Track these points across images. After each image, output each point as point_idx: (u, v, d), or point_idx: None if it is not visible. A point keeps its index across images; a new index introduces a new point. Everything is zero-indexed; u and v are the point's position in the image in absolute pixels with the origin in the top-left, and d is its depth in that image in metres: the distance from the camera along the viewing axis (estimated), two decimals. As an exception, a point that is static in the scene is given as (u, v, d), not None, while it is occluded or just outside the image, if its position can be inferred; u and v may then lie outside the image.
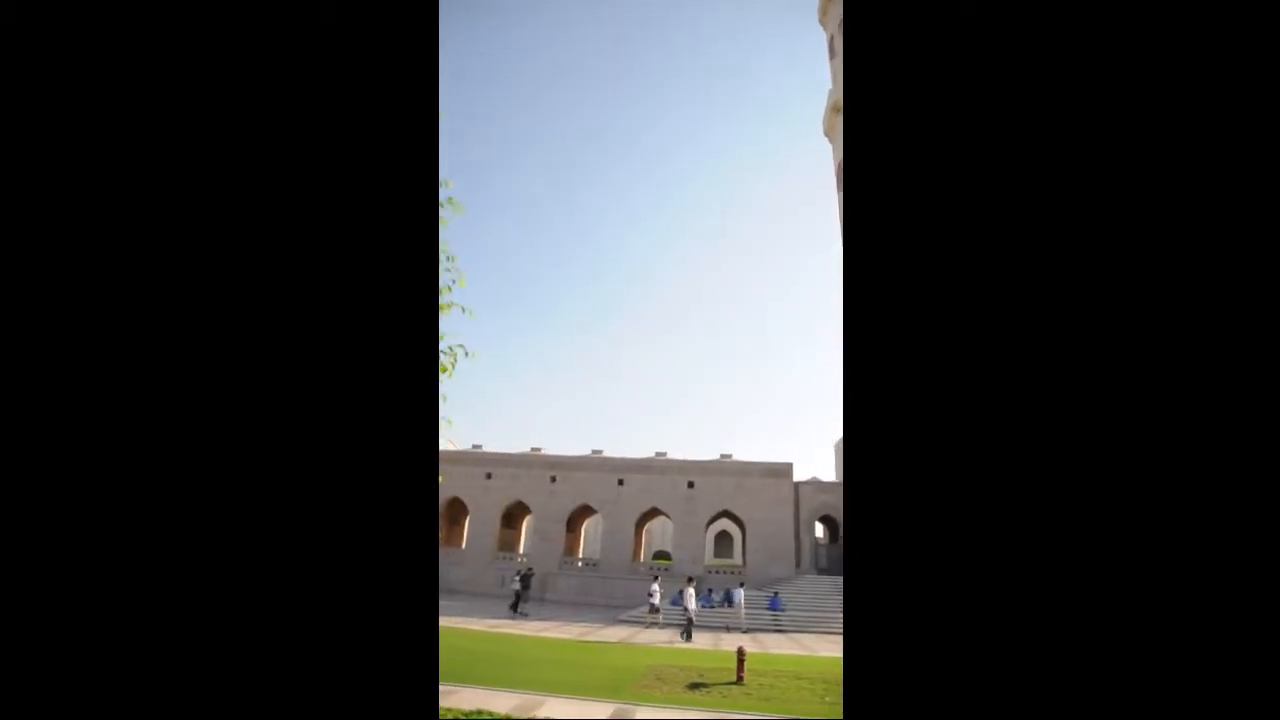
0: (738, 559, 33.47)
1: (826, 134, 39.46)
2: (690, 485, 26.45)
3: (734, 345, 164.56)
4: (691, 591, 15.44)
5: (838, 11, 29.52)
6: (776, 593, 20.98)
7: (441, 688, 6.92)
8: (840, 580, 20.84)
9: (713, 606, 20.64)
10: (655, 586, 17.78)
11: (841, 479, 29.23)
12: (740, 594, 18.16)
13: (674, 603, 18.92)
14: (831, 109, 37.37)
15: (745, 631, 16.70)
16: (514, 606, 18.18)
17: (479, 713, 6.19)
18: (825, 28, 35.66)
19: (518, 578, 19.39)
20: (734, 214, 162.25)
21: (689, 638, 14.64)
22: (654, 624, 17.29)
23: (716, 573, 26.45)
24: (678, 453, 29.95)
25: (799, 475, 27.34)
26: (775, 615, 19.47)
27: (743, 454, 33.28)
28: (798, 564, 25.23)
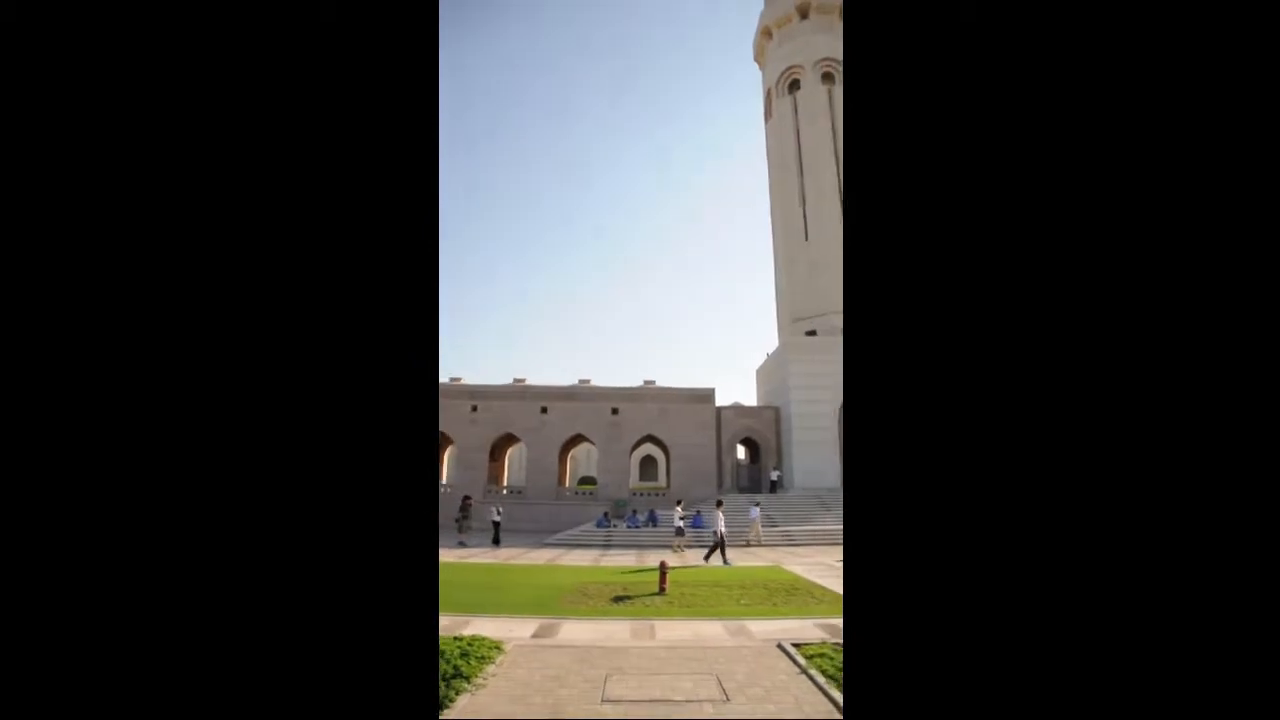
0: (662, 481, 34.63)
1: (756, 59, 38.71)
2: (614, 412, 26.77)
3: (656, 273, 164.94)
4: (720, 514, 15.10)
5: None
6: (699, 511, 21.90)
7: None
8: (757, 496, 21.98)
9: (638, 527, 21.35)
10: (679, 509, 18.12)
11: (759, 403, 30.43)
12: (756, 511, 18.73)
13: (694, 523, 19.35)
14: (762, 33, 36.56)
15: (753, 546, 16.83)
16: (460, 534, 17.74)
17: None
18: (756, -60, 33.95)
19: (460, 507, 18.94)
20: (657, 140, 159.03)
21: (724, 559, 14.10)
22: (682, 547, 17.19)
23: (641, 495, 27.28)
24: (602, 380, 30.13)
25: (721, 400, 28.13)
26: (698, 532, 20.37)
27: (666, 380, 33.88)
28: (720, 484, 26.35)
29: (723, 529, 14.57)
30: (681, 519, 17.62)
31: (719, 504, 15.92)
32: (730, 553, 14.78)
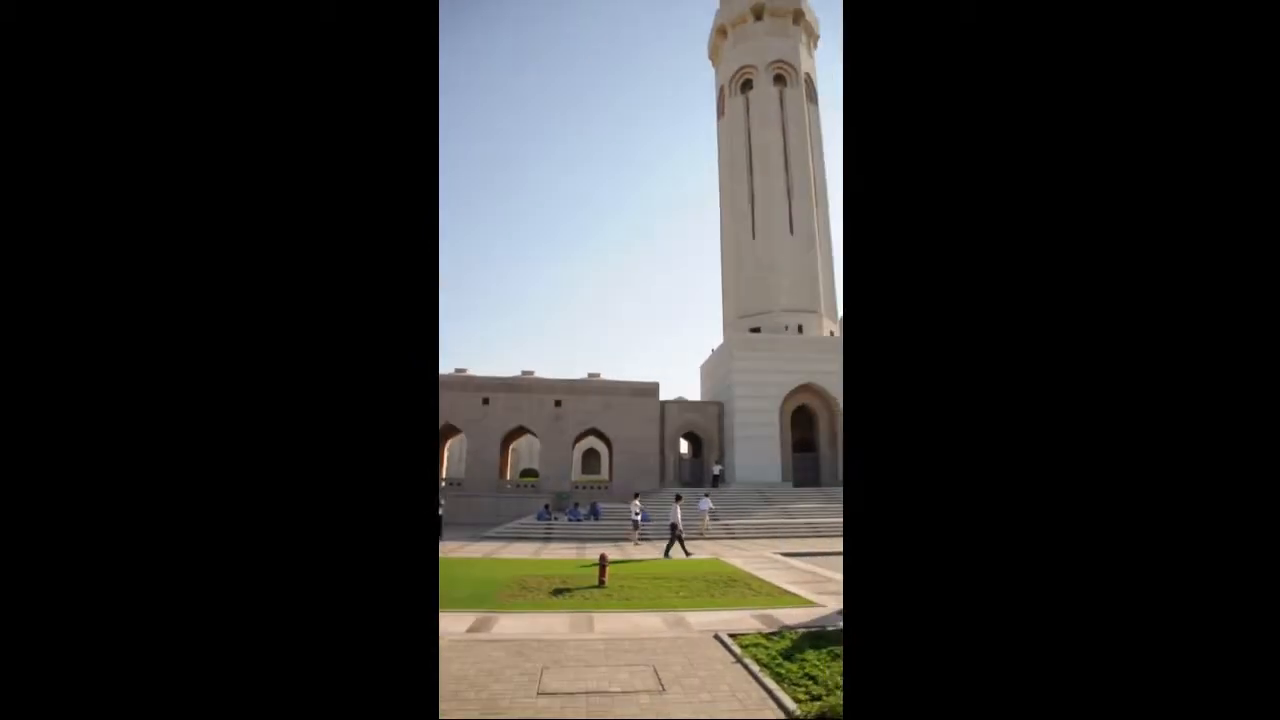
0: (605, 475, 34.64)
1: (710, 57, 38.99)
2: (558, 404, 26.56)
3: (603, 266, 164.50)
4: (678, 508, 15.19)
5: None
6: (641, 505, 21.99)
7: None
8: (699, 490, 22.25)
9: (580, 520, 21.26)
10: (637, 504, 18.01)
11: (703, 397, 30.79)
12: (707, 503, 18.83)
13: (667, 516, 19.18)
14: (717, 31, 36.82)
15: (707, 539, 16.85)
16: None
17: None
18: (713, -62, 34.15)
19: None
20: (605, 131, 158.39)
21: (685, 552, 14.30)
22: (642, 539, 17.34)
23: (583, 488, 27.17)
24: (545, 372, 29.87)
25: (665, 394, 28.32)
26: (643, 525, 20.45)
27: (611, 374, 33.90)
28: (662, 478, 26.54)
29: (680, 522, 14.72)
30: (638, 512, 17.70)
31: (678, 498, 16.01)
32: (659, 544, 14.95)
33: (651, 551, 14.95)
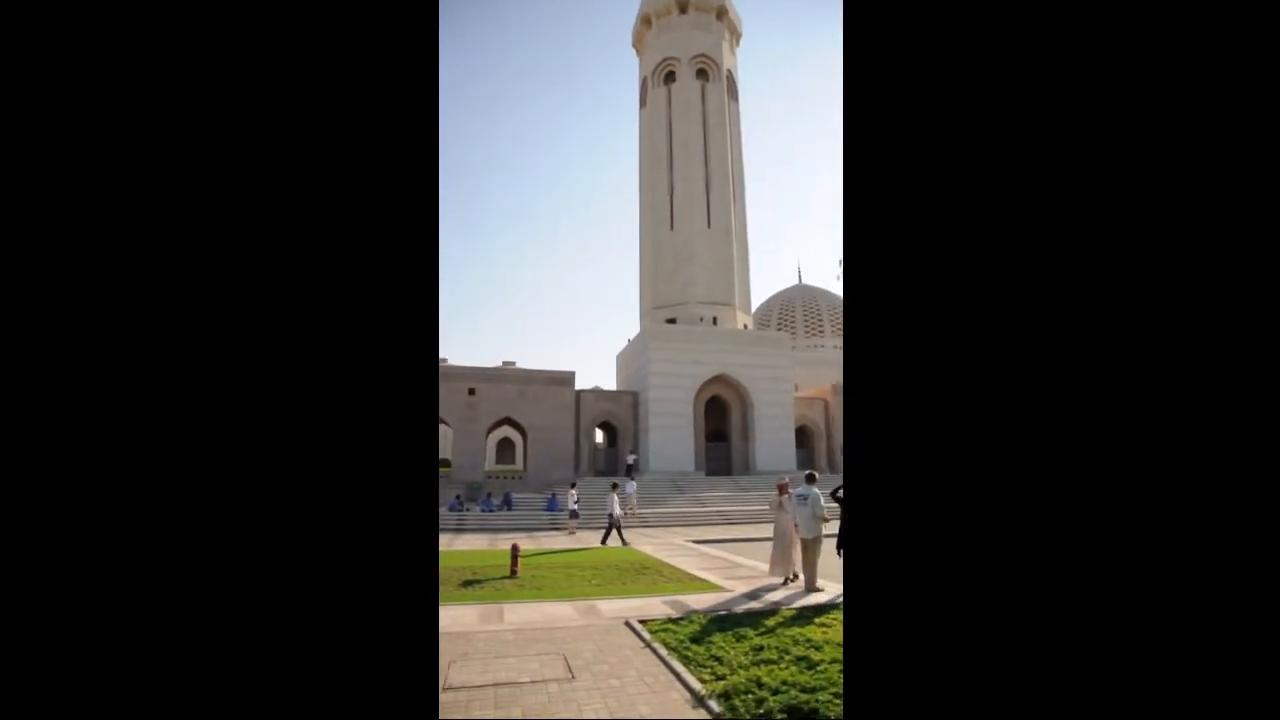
0: (519, 464, 34.17)
1: (635, 45, 38.91)
2: (471, 392, 25.94)
3: (521, 253, 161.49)
4: (616, 497, 15.02)
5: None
6: (554, 494, 21.87)
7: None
8: (612, 479, 22.40)
9: (493, 510, 20.90)
10: (573, 493, 17.62)
11: (618, 387, 30.94)
12: (632, 486, 18.87)
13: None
14: (642, 20, 36.76)
15: (624, 526, 16.26)
16: None
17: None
18: (639, -74, 34.15)
19: None
20: (525, 118, 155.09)
21: (622, 540, 14.13)
22: (578, 529, 17.01)
23: (497, 478, 26.72)
24: (459, 360, 28.97)
25: (581, 384, 28.25)
26: (553, 515, 20.35)
27: (526, 362, 33.39)
28: (577, 467, 26.49)
29: (617, 511, 14.78)
30: (576, 502, 17.59)
31: (614, 486, 16.01)
32: (595, 533, 15.01)
33: (570, 543, 14.91)
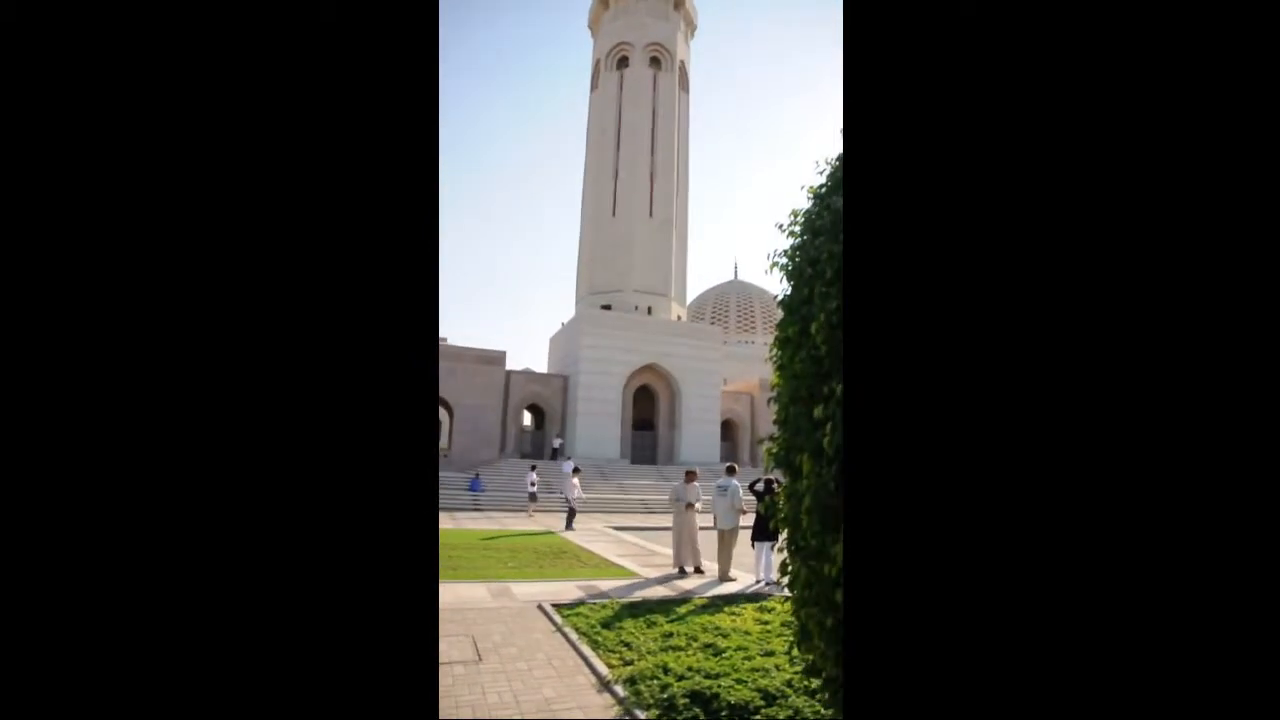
0: (445, 443, 33.41)
1: (590, 26, 38.29)
2: (398, 366, 25.09)
3: (455, 224, 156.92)
4: (576, 481, 14.77)
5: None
6: (478, 474, 21.54)
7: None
8: (535, 462, 22.24)
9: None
10: (534, 475, 17.30)
11: (549, 370, 30.70)
12: (569, 465, 17.97)
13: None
14: (599, 1, 36.19)
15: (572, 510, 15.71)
16: None
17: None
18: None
19: None
20: (482, 95, 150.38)
21: (569, 524, 14.10)
22: (537, 512, 16.85)
23: (418, 455, 25.98)
24: (388, 331, 27.94)
25: (511, 364, 27.85)
26: (475, 496, 20.05)
27: (457, 339, 32.53)
28: (503, 449, 26.17)
29: (573, 495, 14.71)
30: (534, 484, 17.36)
31: (576, 470, 15.67)
32: (515, 515, 14.94)
33: (531, 525, 14.72)
